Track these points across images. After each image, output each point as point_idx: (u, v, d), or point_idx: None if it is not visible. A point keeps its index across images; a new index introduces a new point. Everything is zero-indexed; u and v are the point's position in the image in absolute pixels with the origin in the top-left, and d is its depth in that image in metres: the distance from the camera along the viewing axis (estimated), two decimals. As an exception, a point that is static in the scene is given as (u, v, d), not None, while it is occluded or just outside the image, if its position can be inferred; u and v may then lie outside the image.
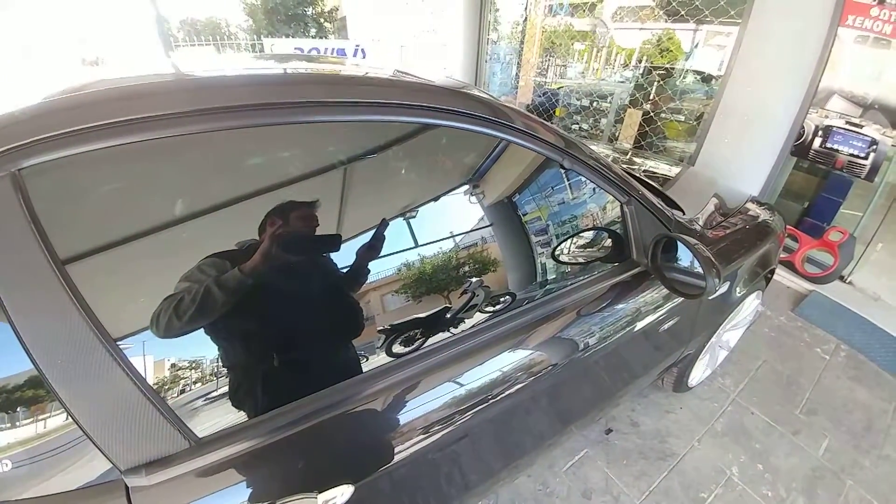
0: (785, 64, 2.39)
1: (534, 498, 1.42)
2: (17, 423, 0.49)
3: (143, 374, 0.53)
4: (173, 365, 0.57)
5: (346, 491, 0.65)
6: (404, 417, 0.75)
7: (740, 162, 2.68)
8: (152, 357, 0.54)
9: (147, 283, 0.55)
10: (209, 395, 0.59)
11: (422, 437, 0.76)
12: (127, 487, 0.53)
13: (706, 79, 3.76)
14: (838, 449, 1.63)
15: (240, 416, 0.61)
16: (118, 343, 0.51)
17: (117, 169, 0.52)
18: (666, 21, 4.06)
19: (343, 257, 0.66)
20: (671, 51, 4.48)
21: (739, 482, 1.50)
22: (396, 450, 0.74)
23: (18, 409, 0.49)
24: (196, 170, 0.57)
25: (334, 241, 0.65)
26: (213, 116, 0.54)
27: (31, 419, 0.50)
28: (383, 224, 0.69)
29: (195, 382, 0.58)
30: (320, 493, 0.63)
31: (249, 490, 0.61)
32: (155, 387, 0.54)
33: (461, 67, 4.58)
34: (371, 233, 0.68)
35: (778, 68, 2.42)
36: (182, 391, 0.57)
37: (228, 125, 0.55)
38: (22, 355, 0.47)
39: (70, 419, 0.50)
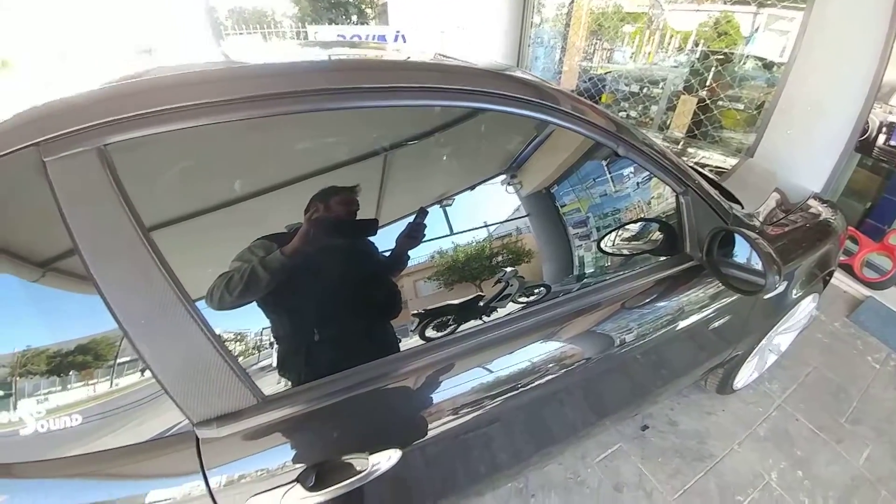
0: (849, 54, 2.19)
1: (564, 486, 1.42)
2: (95, 380, 0.54)
3: (219, 335, 0.57)
4: (244, 328, 0.60)
5: (393, 455, 0.68)
6: (444, 395, 0.76)
7: (803, 155, 2.49)
8: (226, 319, 0.58)
9: (220, 251, 0.58)
10: (273, 359, 0.63)
11: (459, 416, 0.78)
12: (198, 439, 0.57)
13: (768, 65, 3.47)
14: (878, 459, 1.57)
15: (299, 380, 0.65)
16: (196, 303, 0.55)
17: (191, 148, 0.55)
18: (724, 3, 3.80)
19: (382, 242, 0.67)
20: (730, 34, 4.17)
21: (777, 487, 1.45)
22: (441, 422, 0.76)
23: (94, 368, 0.53)
24: (262, 152, 0.60)
25: (371, 226, 0.65)
26: (271, 102, 0.55)
27: (108, 377, 0.54)
28: (423, 211, 0.69)
29: (262, 346, 0.61)
30: (371, 454, 0.66)
31: (307, 446, 0.64)
32: (228, 347, 0.58)
33: (503, 52, 4.47)
34: (411, 218, 0.68)
35: (842, 58, 2.22)
36: (251, 352, 0.61)
37: (280, 111, 0.56)
38: (106, 315, 0.51)
39: (149, 374, 0.54)
